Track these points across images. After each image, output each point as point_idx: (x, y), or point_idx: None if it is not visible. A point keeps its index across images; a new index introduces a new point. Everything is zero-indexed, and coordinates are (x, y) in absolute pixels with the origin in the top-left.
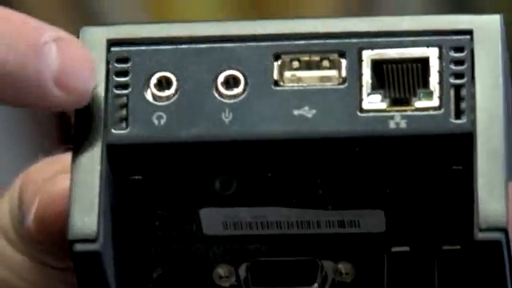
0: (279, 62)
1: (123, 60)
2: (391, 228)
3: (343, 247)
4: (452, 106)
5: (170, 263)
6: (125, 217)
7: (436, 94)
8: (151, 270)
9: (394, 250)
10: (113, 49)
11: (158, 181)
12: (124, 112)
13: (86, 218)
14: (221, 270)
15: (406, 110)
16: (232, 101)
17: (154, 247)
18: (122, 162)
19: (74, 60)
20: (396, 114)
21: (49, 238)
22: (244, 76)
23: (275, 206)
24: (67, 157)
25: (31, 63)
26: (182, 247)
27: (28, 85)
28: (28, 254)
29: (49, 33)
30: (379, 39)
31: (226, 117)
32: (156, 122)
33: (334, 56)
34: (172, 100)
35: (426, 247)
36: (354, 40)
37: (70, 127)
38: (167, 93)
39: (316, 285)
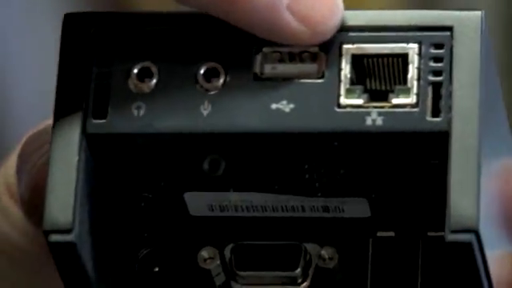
0: (260, 55)
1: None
2: (376, 214)
3: (327, 231)
4: (429, 104)
5: (155, 244)
6: (107, 201)
7: (414, 90)
8: (136, 250)
9: (379, 234)
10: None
11: (141, 167)
12: (104, 101)
13: (61, 209)
14: (205, 253)
15: (383, 107)
16: (211, 93)
17: (139, 228)
18: (102, 151)
19: None
20: (373, 110)
21: (38, 212)
22: (224, 68)
23: (260, 192)
24: None
25: None
26: (167, 228)
27: (259, 7)
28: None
29: None
30: (360, 33)
31: (205, 109)
32: (135, 112)
33: (315, 49)
34: (152, 90)
35: (412, 233)
36: (335, 34)
37: None
38: (148, 83)
39: (299, 269)
